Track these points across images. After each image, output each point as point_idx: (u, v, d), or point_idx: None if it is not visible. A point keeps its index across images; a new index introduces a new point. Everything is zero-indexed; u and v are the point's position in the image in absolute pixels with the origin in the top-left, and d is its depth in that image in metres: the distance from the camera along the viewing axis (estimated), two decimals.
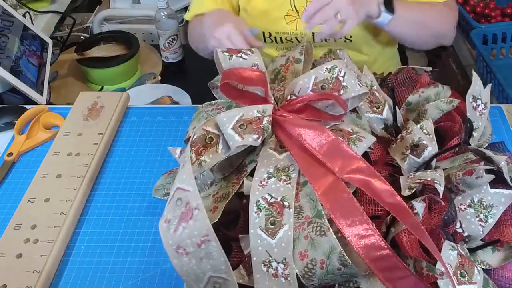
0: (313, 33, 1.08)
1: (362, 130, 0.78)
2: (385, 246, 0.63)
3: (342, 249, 0.64)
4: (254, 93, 0.83)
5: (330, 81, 0.79)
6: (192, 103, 1.32)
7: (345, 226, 0.65)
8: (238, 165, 0.79)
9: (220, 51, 0.86)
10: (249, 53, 0.86)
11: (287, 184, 0.71)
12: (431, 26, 1.04)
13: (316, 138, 0.74)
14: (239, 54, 0.85)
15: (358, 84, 0.79)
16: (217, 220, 0.70)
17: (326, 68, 0.79)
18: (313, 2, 0.90)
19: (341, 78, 0.79)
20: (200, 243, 0.64)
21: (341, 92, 0.78)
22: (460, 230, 0.72)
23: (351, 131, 0.77)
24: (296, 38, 1.13)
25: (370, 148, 0.79)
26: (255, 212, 0.68)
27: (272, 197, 0.69)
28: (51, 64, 1.33)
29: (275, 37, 1.14)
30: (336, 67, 0.79)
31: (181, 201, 0.67)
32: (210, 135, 0.77)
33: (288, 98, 0.81)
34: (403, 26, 1.01)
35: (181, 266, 0.66)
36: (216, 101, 0.91)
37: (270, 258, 0.66)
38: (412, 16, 1.01)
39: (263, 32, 1.14)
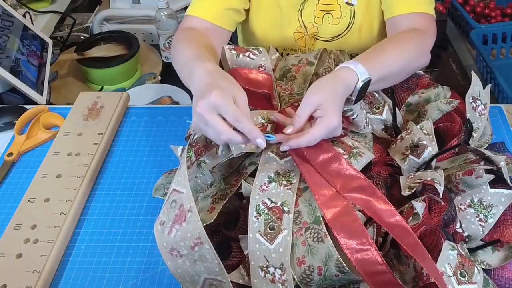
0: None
1: (362, 146, 0.78)
2: (381, 262, 0.63)
3: (339, 256, 0.63)
4: (258, 93, 0.83)
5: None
6: (192, 103, 1.32)
7: (343, 237, 0.65)
8: (238, 165, 0.79)
9: (227, 48, 0.86)
10: (257, 53, 0.86)
11: (287, 189, 0.71)
12: (407, 70, 0.91)
13: (318, 152, 0.73)
14: (247, 53, 0.85)
15: (364, 125, 0.80)
16: (213, 220, 0.70)
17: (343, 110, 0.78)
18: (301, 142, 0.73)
19: (351, 118, 0.79)
20: (193, 246, 0.64)
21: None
22: (460, 230, 0.72)
23: (351, 145, 0.77)
24: None
25: None
26: (255, 217, 0.68)
27: (272, 201, 0.69)
28: (51, 64, 1.33)
29: (282, 53, 1.12)
30: (352, 110, 0.79)
31: (175, 203, 0.67)
32: None
33: (296, 104, 0.80)
34: (379, 85, 0.87)
35: (176, 268, 0.66)
36: None
37: (268, 263, 0.65)
38: (389, 73, 0.86)
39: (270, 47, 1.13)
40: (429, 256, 0.63)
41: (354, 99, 0.78)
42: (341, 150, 0.74)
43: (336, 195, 0.69)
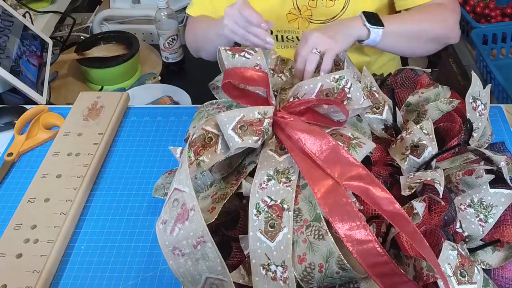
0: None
1: (362, 136, 0.77)
2: (383, 253, 0.63)
3: (340, 253, 0.63)
4: (255, 93, 0.83)
5: (335, 91, 0.79)
6: (192, 103, 1.32)
7: (343, 230, 0.65)
8: (237, 165, 0.79)
9: (223, 49, 0.86)
10: (252, 52, 0.86)
11: (287, 186, 0.71)
12: (427, 34, 0.99)
13: (316, 143, 0.73)
14: (242, 53, 0.85)
15: (363, 97, 0.79)
16: (213, 220, 0.70)
17: (334, 78, 0.79)
18: (297, 57, 0.90)
19: (346, 90, 0.79)
20: (196, 244, 0.64)
21: (345, 102, 0.78)
22: (460, 230, 0.72)
23: (351, 136, 0.76)
24: (297, 37, 1.13)
25: None
26: (255, 215, 0.68)
27: (271, 199, 0.69)
28: (51, 64, 1.33)
29: (276, 35, 1.13)
30: (344, 77, 0.79)
31: (177, 202, 0.67)
32: (209, 135, 0.77)
33: (291, 100, 0.80)
34: (397, 41, 0.97)
35: (178, 267, 0.66)
36: (217, 100, 0.91)
37: (269, 261, 0.65)
38: (405, 29, 0.96)
39: None
40: (428, 244, 0.63)
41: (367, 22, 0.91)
42: (340, 143, 0.74)
43: (334, 187, 0.69)
